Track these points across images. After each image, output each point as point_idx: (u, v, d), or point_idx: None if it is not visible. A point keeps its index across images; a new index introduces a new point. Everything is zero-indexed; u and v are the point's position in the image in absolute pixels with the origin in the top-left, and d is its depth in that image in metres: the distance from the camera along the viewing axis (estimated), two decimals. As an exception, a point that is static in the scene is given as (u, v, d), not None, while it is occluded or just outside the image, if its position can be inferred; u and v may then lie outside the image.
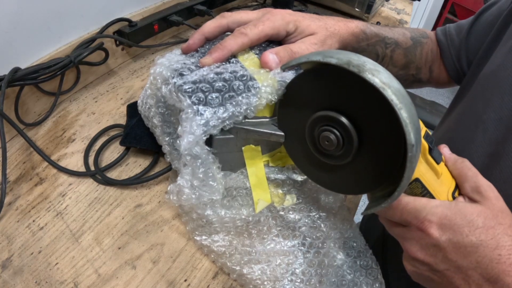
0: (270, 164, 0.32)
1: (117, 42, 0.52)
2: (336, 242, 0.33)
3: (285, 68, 0.25)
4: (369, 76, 0.21)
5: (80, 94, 0.50)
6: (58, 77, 0.46)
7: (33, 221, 0.37)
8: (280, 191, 0.32)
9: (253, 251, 0.31)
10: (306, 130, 0.26)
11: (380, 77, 0.21)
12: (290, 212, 0.32)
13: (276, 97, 0.27)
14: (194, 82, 0.26)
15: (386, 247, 0.49)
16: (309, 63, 0.24)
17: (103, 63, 0.50)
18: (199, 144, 0.26)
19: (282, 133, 0.28)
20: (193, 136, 0.25)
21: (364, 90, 0.22)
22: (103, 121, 0.47)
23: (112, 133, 0.45)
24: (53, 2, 0.44)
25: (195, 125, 0.25)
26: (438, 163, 0.26)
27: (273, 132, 0.28)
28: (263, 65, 0.29)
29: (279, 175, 0.31)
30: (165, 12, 0.56)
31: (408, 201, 0.25)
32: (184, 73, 0.28)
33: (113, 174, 0.41)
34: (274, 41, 0.33)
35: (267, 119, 0.29)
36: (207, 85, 0.26)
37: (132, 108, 0.44)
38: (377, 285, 0.31)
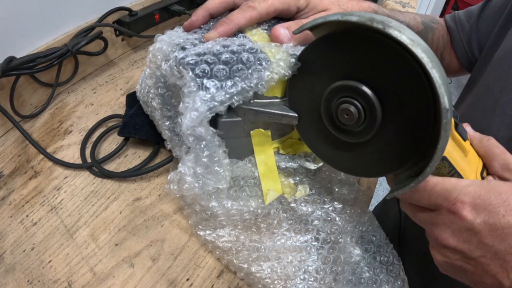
0: (281, 151, 0.29)
1: (117, 32, 0.50)
2: (352, 236, 0.30)
3: (298, 31, 0.22)
4: (395, 33, 0.18)
5: (79, 85, 0.48)
6: (55, 67, 0.44)
7: (27, 216, 0.35)
8: (291, 181, 0.29)
9: (262, 247, 0.28)
10: (322, 104, 0.23)
11: (407, 33, 0.18)
12: (302, 204, 0.29)
13: (290, 72, 0.24)
14: (198, 55, 0.24)
15: (404, 237, 0.46)
16: (323, 28, 0.22)
17: (102, 53, 0.48)
18: (204, 124, 0.23)
19: (296, 115, 0.25)
20: (196, 113, 0.22)
21: (389, 50, 0.19)
22: (101, 112, 0.44)
23: (111, 124, 0.42)
24: (49, -12, 0.42)
25: (199, 101, 0.22)
26: (464, 140, 0.24)
27: (285, 113, 0.25)
28: (274, 39, 0.27)
29: (290, 163, 0.29)
30: (166, 1, 0.54)
31: (436, 181, 0.22)
32: (187, 46, 0.25)
33: (111, 166, 0.38)
34: (283, 18, 0.30)
35: (278, 100, 0.26)
36: (213, 57, 0.24)
37: (132, 98, 0.42)
38: (399, 282, 0.28)
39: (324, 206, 0.30)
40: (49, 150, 0.40)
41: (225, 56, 0.24)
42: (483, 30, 0.44)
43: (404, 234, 0.45)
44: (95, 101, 0.46)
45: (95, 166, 0.38)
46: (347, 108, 0.21)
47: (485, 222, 0.21)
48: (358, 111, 0.21)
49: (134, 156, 0.40)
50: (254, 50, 0.24)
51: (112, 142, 0.41)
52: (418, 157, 0.21)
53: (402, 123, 0.21)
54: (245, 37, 0.27)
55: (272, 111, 0.25)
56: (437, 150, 0.19)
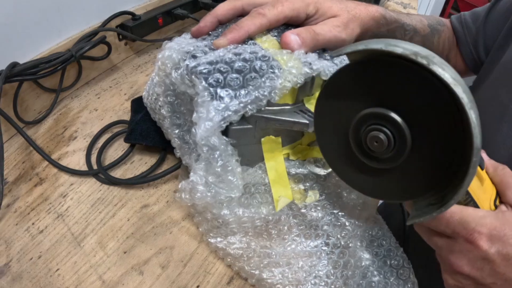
0: (291, 157, 0.29)
1: (120, 36, 0.50)
2: (362, 240, 0.30)
3: (336, 55, 0.22)
4: (439, 70, 0.18)
5: (82, 90, 0.48)
6: (58, 72, 0.43)
7: (33, 224, 0.35)
8: (301, 186, 0.29)
9: (273, 253, 0.29)
10: (351, 128, 0.23)
11: (449, 72, 0.18)
12: (312, 210, 0.30)
13: (302, 80, 0.24)
14: (210, 63, 0.24)
15: (408, 239, 0.47)
16: (358, 52, 0.21)
17: (105, 57, 0.48)
18: (217, 134, 0.23)
19: (307, 122, 0.25)
20: (211, 123, 0.22)
21: (429, 85, 0.19)
22: (106, 117, 0.44)
23: (116, 129, 0.42)
24: (52, -7, 0.42)
25: (213, 110, 0.22)
26: (482, 169, 0.25)
27: (296, 120, 0.25)
28: (284, 46, 0.27)
29: (300, 169, 0.29)
30: (169, 5, 0.54)
31: (455, 210, 0.23)
32: (198, 55, 0.25)
33: (117, 173, 0.38)
34: (293, 24, 0.31)
35: (289, 107, 0.26)
36: (225, 66, 0.24)
37: (137, 103, 0.42)
38: (409, 285, 0.28)
39: (334, 211, 0.30)
40: (53, 156, 0.40)
41: (238, 64, 0.24)
42: (489, 32, 0.44)
43: (407, 235, 0.46)
44: (99, 106, 0.46)
45: (101, 172, 0.37)
46: (377, 135, 0.21)
47: (499, 252, 0.22)
48: (388, 139, 0.21)
49: (141, 163, 0.40)
50: (267, 58, 0.24)
51: (118, 148, 0.41)
52: (442, 186, 0.21)
53: (430, 153, 0.21)
54: (256, 44, 0.27)
55: (284, 118, 0.25)
56: (463, 185, 0.19)
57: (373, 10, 0.35)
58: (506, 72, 0.37)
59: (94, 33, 0.46)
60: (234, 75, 0.23)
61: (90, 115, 0.44)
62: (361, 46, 0.21)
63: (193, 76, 0.24)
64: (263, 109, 0.25)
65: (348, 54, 0.22)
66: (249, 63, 0.24)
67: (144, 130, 0.39)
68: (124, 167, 0.39)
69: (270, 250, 0.28)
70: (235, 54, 0.24)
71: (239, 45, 0.26)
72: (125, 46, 0.52)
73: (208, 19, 0.29)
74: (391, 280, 0.29)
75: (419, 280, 0.40)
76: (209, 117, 0.23)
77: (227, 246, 0.28)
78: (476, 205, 0.24)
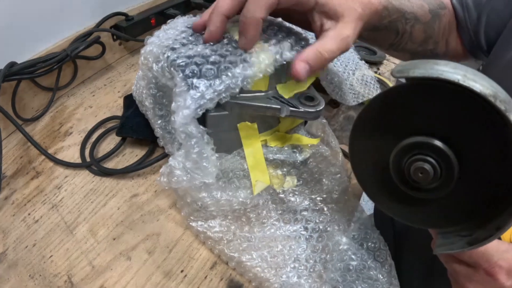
0: (268, 144, 0.30)
1: (114, 37, 0.52)
2: (340, 225, 0.30)
3: (399, 77, 0.20)
4: None
5: (78, 89, 0.50)
6: (55, 71, 0.45)
7: (29, 214, 0.36)
8: (279, 172, 0.30)
9: (252, 237, 0.29)
10: (392, 157, 0.22)
11: None
12: (291, 195, 0.30)
13: (273, 68, 0.25)
14: (188, 57, 0.25)
15: (400, 241, 0.46)
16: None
17: (100, 57, 0.50)
18: (194, 123, 0.24)
19: (278, 106, 0.27)
20: (188, 110, 0.24)
21: (494, 125, 0.18)
22: (100, 114, 0.46)
23: (109, 125, 0.44)
24: (48, -4, 0.44)
25: (190, 99, 0.24)
26: None
27: (269, 105, 0.26)
28: (294, 76, 0.26)
29: (277, 155, 0.30)
30: (162, 6, 0.56)
31: None
32: (176, 46, 0.27)
33: (109, 165, 0.40)
34: (282, 27, 0.30)
35: (263, 93, 0.27)
36: (201, 59, 0.25)
37: (129, 99, 0.44)
38: (386, 267, 0.28)
39: (312, 196, 0.31)
40: (50, 151, 0.41)
41: (212, 58, 0.25)
42: (492, 21, 0.39)
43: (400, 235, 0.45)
44: (94, 103, 0.47)
45: (94, 164, 0.39)
46: (422, 166, 0.20)
47: None
48: (434, 169, 0.20)
49: (132, 155, 0.41)
50: (240, 53, 0.26)
51: (111, 142, 0.43)
52: (479, 220, 0.21)
53: (475, 188, 0.20)
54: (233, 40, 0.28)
55: (257, 104, 0.27)
56: (505, 226, 0.19)
57: (376, 2, 0.32)
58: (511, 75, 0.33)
59: (88, 34, 0.48)
60: (209, 66, 0.25)
61: (85, 112, 0.46)
62: (435, 72, 0.18)
63: (172, 68, 0.25)
64: (237, 96, 0.27)
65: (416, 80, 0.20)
66: (223, 57, 0.25)
67: (134, 124, 0.40)
68: (116, 160, 0.41)
69: (249, 234, 0.29)
70: (212, 50, 0.26)
71: (218, 43, 0.27)
72: (119, 46, 0.54)
73: (215, 21, 0.27)
74: (368, 263, 0.29)
75: (415, 274, 0.39)
76: (186, 105, 0.24)
77: (208, 230, 0.29)
78: (499, 237, 0.24)
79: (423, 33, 0.41)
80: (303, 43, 0.29)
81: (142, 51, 0.29)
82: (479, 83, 0.18)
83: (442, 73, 0.18)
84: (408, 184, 0.22)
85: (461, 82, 0.18)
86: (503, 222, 0.19)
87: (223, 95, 0.25)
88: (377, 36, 0.38)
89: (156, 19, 0.55)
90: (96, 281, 0.31)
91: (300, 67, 0.26)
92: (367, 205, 0.57)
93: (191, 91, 0.25)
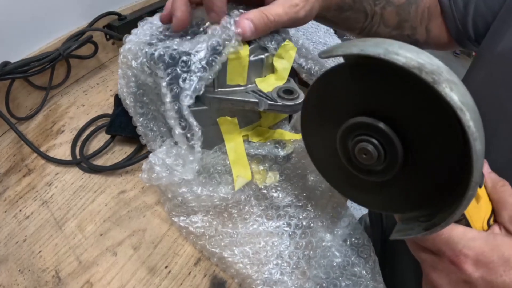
0: (250, 140, 0.30)
1: (107, 36, 0.53)
2: (324, 221, 0.30)
3: (325, 56, 0.20)
4: (446, 90, 0.16)
5: (71, 88, 0.50)
6: (48, 71, 0.46)
7: (20, 210, 0.37)
8: (261, 167, 0.30)
9: (235, 232, 0.29)
10: (338, 142, 0.21)
11: (458, 92, 0.16)
12: (273, 191, 0.30)
13: (242, 49, 0.25)
14: (165, 47, 0.25)
15: (393, 241, 0.45)
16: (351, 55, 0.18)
17: (93, 56, 0.50)
18: (191, 115, 0.24)
19: (257, 100, 0.26)
20: (189, 92, 0.24)
21: (432, 104, 0.17)
22: (92, 112, 0.46)
23: (100, 123, 0.44)
24: (40, -4, 0.45)
25: (183, 84, 0.24)
26: (480, 186, 0.23)
27: (247, 99, 0.26)
28: (239, 33, 0.26)
29: (259, 150, 0.29)
30: (154, 5, 0.56)
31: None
32: (153, 42, 0.27)
33: (99, 162, 0.40)
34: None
35: (241, 87, 0.27)
36: (175, 54, 0.25)
37: (119, 98, 0.44)
38: (370, 263, 0.28)
39: (295, 192, 0.31)
40: (42, 149, 0.42)
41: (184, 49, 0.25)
42: (481, 10, 0.37)
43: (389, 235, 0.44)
44: (86, 102, 0.48)
45: (83, 161, 0.39)
46: (365, 147, 0.20)
47: (483, 277, 0.21)
48: (378, 150, 0.19)
49: (121, 152, 0.41)
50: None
51: (101, 140, 0.43)
52: (432, 205, 0.20)
53: (425, 171, 0.19)
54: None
55: (235, 98, 0.27)
56: (456, 212, 0.18)
57: None
58: (505, 67, 0.32)
59: (81, 33, 0.48)
60: (185, 58, 0.25)
61: (78, 111, 0.47)
62: (355, 49, 0.18)
63: (151, 62, 0.26)
64: (216, 90, 0.27)
65: (340, 56, 0.19)
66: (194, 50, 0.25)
67: (123, 122, 0.41)
68: (105, 157, 0.41)
69: (231, 229, 0.29)
70: (188, 41, 0.26)
71: (192, 34, 0.27)
72: (112, 45, 0.54)
73: (179, 3, 0.27)
74: (352, 259, 0.29)
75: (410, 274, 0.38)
76: (186, 87, 0.24)
77: (189, 225, 0.29)
78: (468, 223, 0.23)
79: (396, 15, 0.39)
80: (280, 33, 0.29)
81: (121, 49, 0.29)
82: (402, 55, 0.16)
83: (363, 48, 0.18)
84: (357, 167, 0.21)
85: (381, 56, 0.17)
86: (457, 207, 0.18)
87: (211, 75, 0.25)
88: (345, 18, 0.37)
89: (149, 18, 0.55)
90: (83, 276, 0.32)
91: (244, 24, 0.26)
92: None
93: (181, 78, 0.24)
